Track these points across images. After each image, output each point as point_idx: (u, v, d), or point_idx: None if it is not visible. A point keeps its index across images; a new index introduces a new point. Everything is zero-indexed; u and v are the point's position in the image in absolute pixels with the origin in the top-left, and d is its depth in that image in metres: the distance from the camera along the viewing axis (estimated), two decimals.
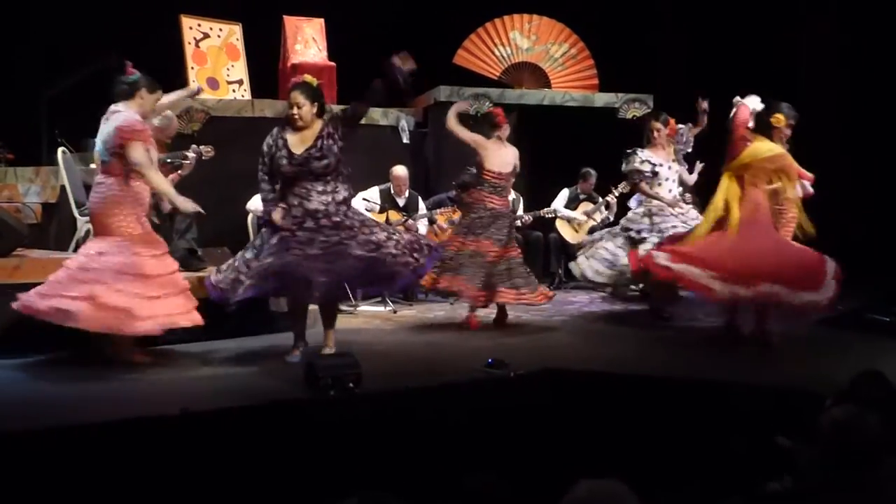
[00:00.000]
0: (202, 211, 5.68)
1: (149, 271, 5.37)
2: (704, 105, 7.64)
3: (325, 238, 5.44)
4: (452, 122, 6.96)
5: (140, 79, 5.55)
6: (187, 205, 5.53)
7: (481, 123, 6.99)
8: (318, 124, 5.56)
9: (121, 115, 5.41)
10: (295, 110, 5.51)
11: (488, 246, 6.79)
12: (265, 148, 5.55)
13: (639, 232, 7.22)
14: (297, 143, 5.51)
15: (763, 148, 6.15)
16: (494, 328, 7.02)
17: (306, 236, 5.43)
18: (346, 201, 5.61)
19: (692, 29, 9.98)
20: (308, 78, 5.71)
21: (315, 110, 5.54)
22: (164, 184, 5.60)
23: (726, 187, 6.16)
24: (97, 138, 5.52)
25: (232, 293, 5.49)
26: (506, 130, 6.98)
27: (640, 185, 7.30)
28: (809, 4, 9.49)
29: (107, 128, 5.43)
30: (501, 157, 6.95)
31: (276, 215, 5.46)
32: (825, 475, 2.88)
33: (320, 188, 5.49)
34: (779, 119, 6.14)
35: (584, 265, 7.41)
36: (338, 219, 5.49)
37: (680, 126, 7.67)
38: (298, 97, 5.51)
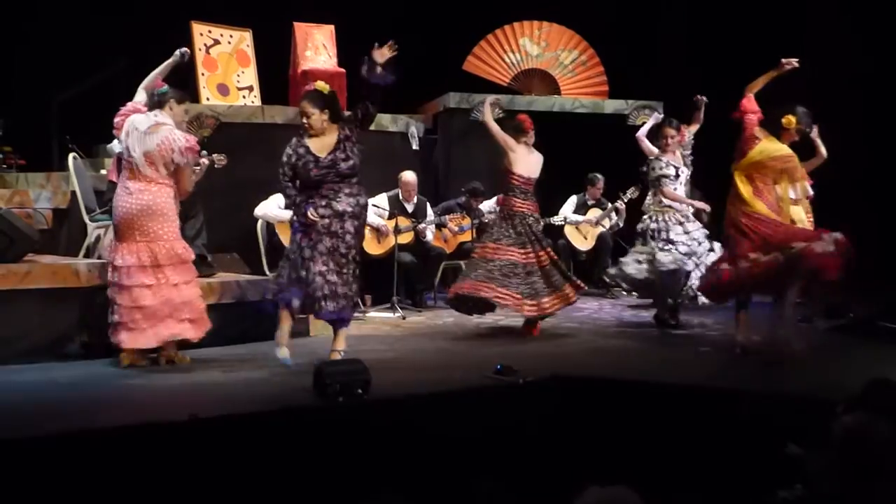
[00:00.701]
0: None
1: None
2: (702, 100, 7.70)
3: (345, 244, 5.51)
4: (488, 117, 7.08)
5: (169, 91, 5.78)
6: None
7: (507, 128, 7.00)
8: (335, 129, 5.58)
9: (175, 131, 5.61)
10: (305, 119, 5.54)
11: (544, 255, 6.88)
12: (285, 158, 5.56)
13: (660, 231, 7.23)
14: (320, 148, 5.54)
15: (772, 147, 6.08)
16: (503, 334, 7.01)
17: (330, 244, 5.48)
18: (366, 206, 5.70)
19: (700, 34, 9.97)
20: (319, 85, 5.70)
21: (326, 117, 5.55)
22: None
23: (747, 188, 6.10)
24: (132, 143, 5.57)
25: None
26: (531, 136, 6.99)
27: (664, 189, 7.23)
28: (816, 10, 9.48)
29: (156, 139, 5.54)
30: (530, 162, 6.97)
31: (312, 214, 5.46)
32: (836, 483, 2.86)
33: (347, 190, 5.55)
34: (790, 120, 6.04)
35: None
36: (357, 223, 5.56)
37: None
38: (307, 107, 5.54)
